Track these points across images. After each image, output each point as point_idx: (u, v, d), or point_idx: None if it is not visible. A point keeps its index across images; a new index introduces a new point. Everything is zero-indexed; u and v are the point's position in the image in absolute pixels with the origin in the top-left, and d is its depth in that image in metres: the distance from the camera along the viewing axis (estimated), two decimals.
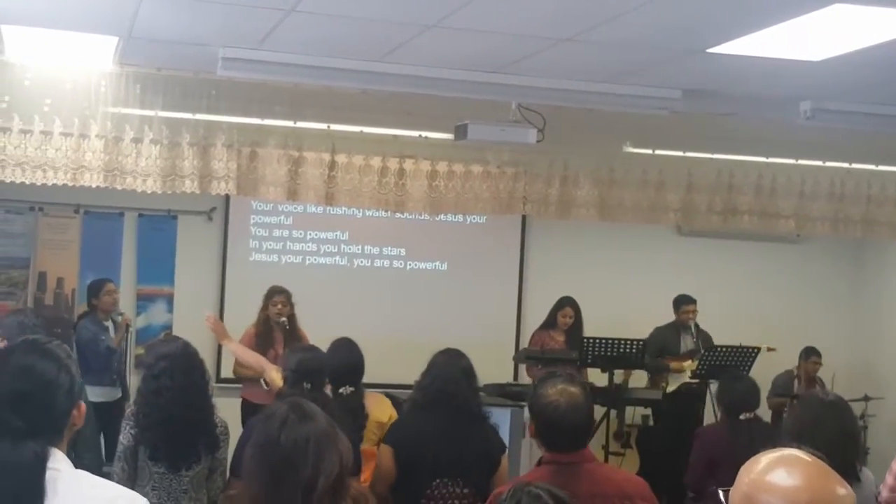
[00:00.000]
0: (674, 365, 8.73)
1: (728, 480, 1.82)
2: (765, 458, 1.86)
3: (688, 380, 8.73)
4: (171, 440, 4.43)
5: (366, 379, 5.69)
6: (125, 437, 4.49)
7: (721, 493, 1.87)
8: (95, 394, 7.38)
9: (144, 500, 2.19)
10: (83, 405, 2.36)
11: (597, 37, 5.06)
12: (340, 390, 5.19)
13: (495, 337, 9.64)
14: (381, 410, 5.49)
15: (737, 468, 1.93)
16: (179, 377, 4.45)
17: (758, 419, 5.80)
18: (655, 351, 8.84)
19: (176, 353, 4.54)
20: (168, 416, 4.42)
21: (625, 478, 3.67)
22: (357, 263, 9.74)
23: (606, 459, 8.04)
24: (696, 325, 9.02)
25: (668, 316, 9.15)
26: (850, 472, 4.23)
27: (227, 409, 7.46)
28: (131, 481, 4.37)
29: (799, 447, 1.93)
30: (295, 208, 9.34)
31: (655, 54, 5.43)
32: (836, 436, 4.17)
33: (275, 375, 5.72)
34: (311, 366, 4.78)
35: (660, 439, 8.45)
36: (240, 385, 7.72)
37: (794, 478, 1.78)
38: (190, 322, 7.78)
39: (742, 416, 5.67)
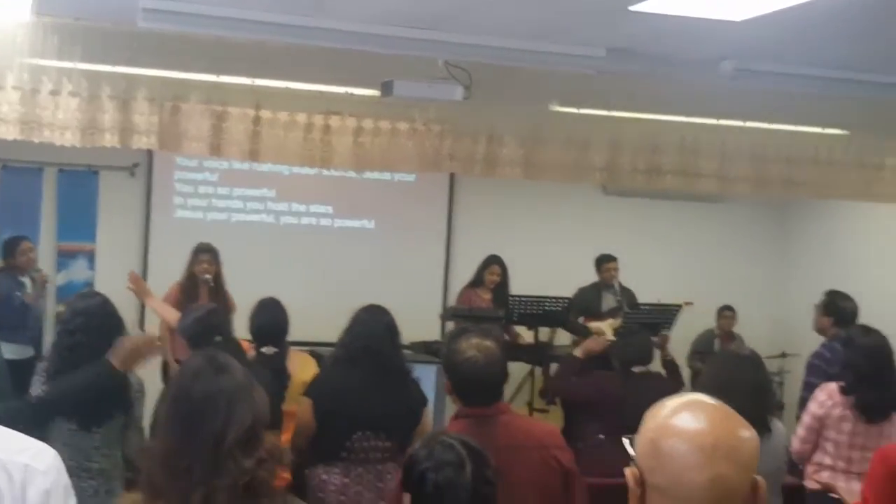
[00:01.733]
0: (592, 327, 8.83)
1: (611, 429, 1.86)
2: (670, 404, 1.88)
3: (611, 338, 8.83)
4: (82, 398, 4.35)
5: (293, 337, 5.69)
6: (35, 391, 4.43)
7: (626, 441, 1.89)
8: (8, 351, 7.26)
9: (52, 451, 2.17)
10: None
11: None
12: (263, 349, 5.18)
13: (423, 295, 9.66)
14: (305, 370, 5.50)
15: (624, 418, 1.96)
16: (95, 334, 4.38)
17: (650, 373, 5.96)
18: (578, 311, 8.93)
19: (93, 310, 4.47)
20: (81, 373, 4.34)
21: (539, 428, 3.72)
22: (284, 221, 9.68)
23: (531, 415, 8.13)
24: (619, 284, 9.13)
25: (593, 274, 9.24)
26: (761, 424, 4.34)
27: (151, 366, 7.43)
28: (40, 438, 4.30)
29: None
30: (220, 164, 9.24)
31: (579, 12, 5.43)
32: (748, 389, 4.29)
33: None
34: (212, 321, 4.75)
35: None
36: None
37: (700, 421, 1.81)
38: (112, 279, 7.67)
39: (635, 369, 5.82)
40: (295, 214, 9.68)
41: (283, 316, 5.44)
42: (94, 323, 4.41)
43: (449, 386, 3.55)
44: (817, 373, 6.28)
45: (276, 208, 9.62)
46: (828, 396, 5.26)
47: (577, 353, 6.59)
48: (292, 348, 5.56)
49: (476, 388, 3.49)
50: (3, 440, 2.22)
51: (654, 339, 7.17)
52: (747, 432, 1.83)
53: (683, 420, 1.82)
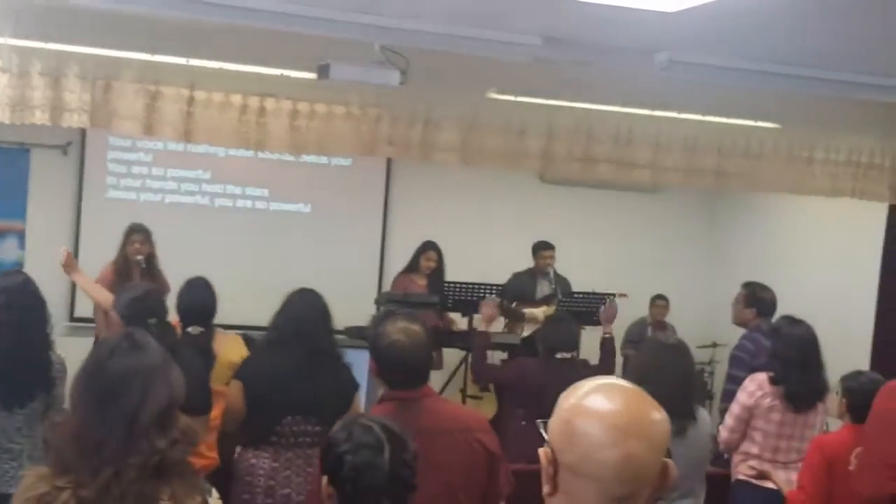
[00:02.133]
0: (528, 312, 8.89)
1: (533, 412, 1.88)
2: (584, 385, 1.91)
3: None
4: (3, 378, 4.31)
5: (226, 320, 5.65)
6: None
7: (540, 425, 1.92)
8: None
9: None
10: None
11: None
12: (189, 329, 5.14)
13: (358, 280, 9.66)
14: (233, 350, 5.46)
15: (545, 403, 1.99)
16: (16, 313, 4.33)
17: (574, 360, 5.99)
18: (512, 296, 8.99)
19: (14, 288, 4.41)
20: (1, 352, 4.29)
21: (465, 412, 3.75)
22: (218, 203, 9.61)
23: (464, 402, 8.17)
24: (555, 271, 9.19)
25: (530, 261, 9.30)
26: (687, 412, 4.42)
27: (82, 349, 7.35)
28: None
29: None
30: (155, 145, 9.14)
31: None
32: (675, 377, 4.35)
33: None
34: (147, 303, 4.70)
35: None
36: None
37: (613, 402, 1.84)
38: (43, 259, 7.56)
39: (558, 356, 5.85)
40: (230, 197, 9.62)
41: (210, 296, 5.40)
42: (15, 302, 4.35)
43: (375, 369, 3.57)
44: (741, 365, 6.36)
45: (211, 190, 9.55)
46: (757, 387, 5.34)
47: (481, 326, 6.62)
48: (220, 329, 5.52)
49: (401, 371, 3.50)
50: None
51: (603, 307, 7.20)
52: (659, 415, 1.86)
53: (597, 401, 1.85)
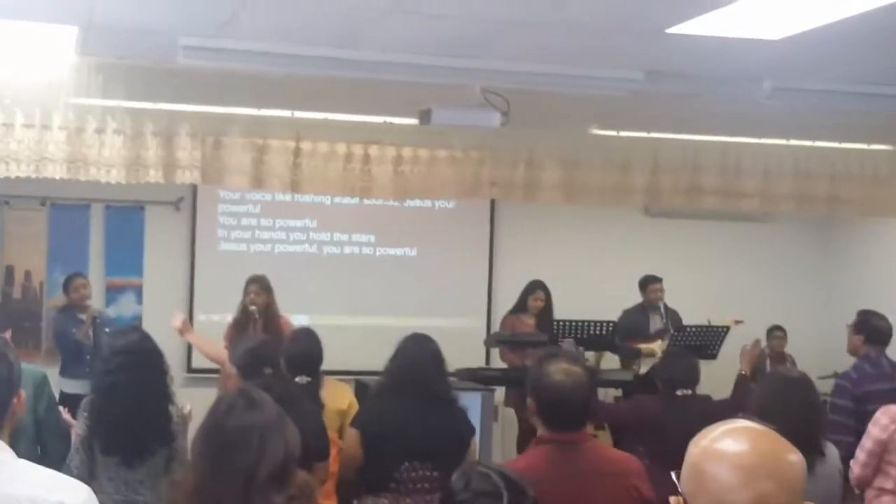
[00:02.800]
0: (643, 348, 8.77)
1: (655, 452, 1.86)
2: (714, 429, 1.89)
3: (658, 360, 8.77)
4: (123, 434, 4.39)
5: (336, 366, 5.72)
6: (81, 427, 4.47)
7: (673, 475, 1.89)
8: (70, 386, 7.38)
9: (87, 488, 2.18)
10: (23, 394, 2.35)
11: (557, 18, 5.06)
12: (297, 379, 5.19)
13: (466, 322, 9.66)
14: (340, 398, 5.50)
15: (667, 442, 1.96)
16: (134, 373, 4.41)
17: (695, 396, 5.83)
18: (625, 333, 8.88)
19: (131, 348, 4.50)
20: (121, 411, 4.38)
21: (619, 456, 3.69)
22: (326, 251, 9.73)
23: None
24: (665, 305, 9.07)
25: (638, 297, 9.19)
26: (813, 447, 4.28)
27: (201, 400, 7.49)
28: (89, 472, 4.36)
29: (755, 421, 1.95)
30: (263, 196, 9.32)
31: (616, 35, 5.43)
32: (799, 411, 4.22)
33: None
34: (261, 353, 4.77)
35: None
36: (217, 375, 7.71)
37: (741, 443, 1.81)
38: (159, 313, 7.75)
39: (679, 392, 5.70)
40: (337, 244, 9.73)
41: (316, 346, 5.45)
42: (133, 361, 4.44)
43: (533, 408, 3.53)
44: (843, 394, 6.16)
45: (319, 238, 9.67)
46: (891, 419, 5.14)
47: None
48: (328, 377, 5.57)
49: (562, 412, 3.47)
50: (39, 478, 2.24)
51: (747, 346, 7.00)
52: (793, 456, 1.82)
53: (725, 444, 1.83)
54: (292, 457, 2.43)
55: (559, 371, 3.46)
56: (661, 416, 5.40)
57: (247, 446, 2.38)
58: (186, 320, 6.63)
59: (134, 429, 4.40)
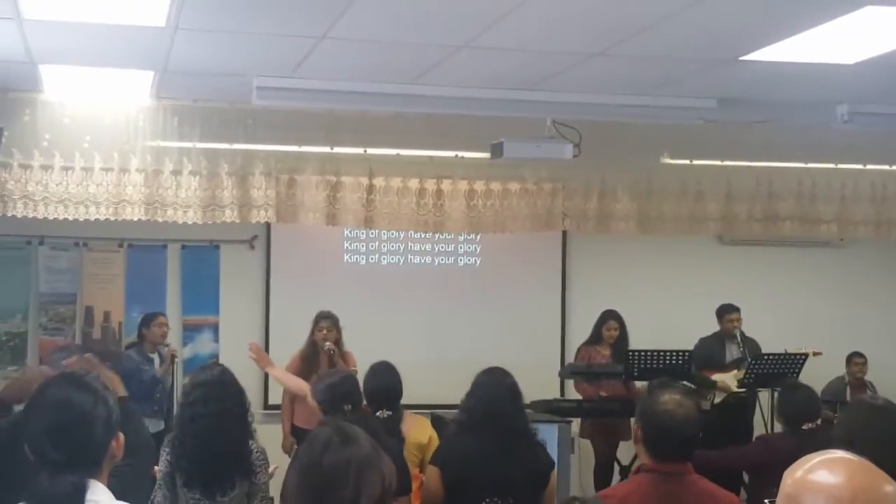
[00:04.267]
0: (718, 378, 8.64)
1: None
2: (809, 460, 1.86)
3: (735, 390, 8.65)
4: (204, 467, 4.45)
5: (412, 400, 5.71)
6: (163, 463, 4.53)
7: (767, 502, 1.87)
8: None
9: None
10: (122, 437, 2.39)
11: (627, 50, 5.06)
12: (378, 413, 5.20)
13: (541, 353, 9.60)
14: (420, 432, 5.50)
15: None
16: (213, 405, 4.46)
17: (821, 428, 5.69)
18: (701, 362, 8.76)
19: (211, 381, 4.56)
20: (201, 443, 4.43)
21: (722, 493, 3.64)
22: (403, 280, 9.71)
23: None
24: (742, 333, 8.94)
25: (713, 325, 9.07)
26: None
27: (278, 436, 7.55)
28: None
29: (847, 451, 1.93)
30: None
31: (688, 64, 5.42)
32: (887, 439, 4.12)
33: None
34: (342, 389, 4.80)
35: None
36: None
37: (837, 475, 1.79)
38: (236, 350, 7.82)
39: (805, 427, 5.57)
40: (414, 273, 9.72)
41: (396, 379, 5.46)
42: (213, 394, 4.49)
43: (639, 435, 3.51)
44: None
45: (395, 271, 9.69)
46: None
47: None
48: (407, 411, 5.57)
49: (669, 442, 3.45)
50: None
51: None
52: (889, 487, 1.79)
53: (821, 475, 1.81)
54: (389, 490, 2.44)
55: (671, 401, 3.44)
56: (793, 453, 5.31)
57: (344, 483, 2.39)
58: (263, 352, 6.66)
59: (214, 462, 4.45)
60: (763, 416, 8.36)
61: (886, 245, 10.16)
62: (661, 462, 3.44)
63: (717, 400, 8.63)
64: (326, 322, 7.60)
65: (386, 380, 5.46)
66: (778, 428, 5.96)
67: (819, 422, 5.64)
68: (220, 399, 4.52)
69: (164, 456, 4.56)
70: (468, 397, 4.92)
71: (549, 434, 6.04)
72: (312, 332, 7.65)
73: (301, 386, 6.36)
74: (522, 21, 4.62)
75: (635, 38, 4.85)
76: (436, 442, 5.47)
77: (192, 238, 8.82)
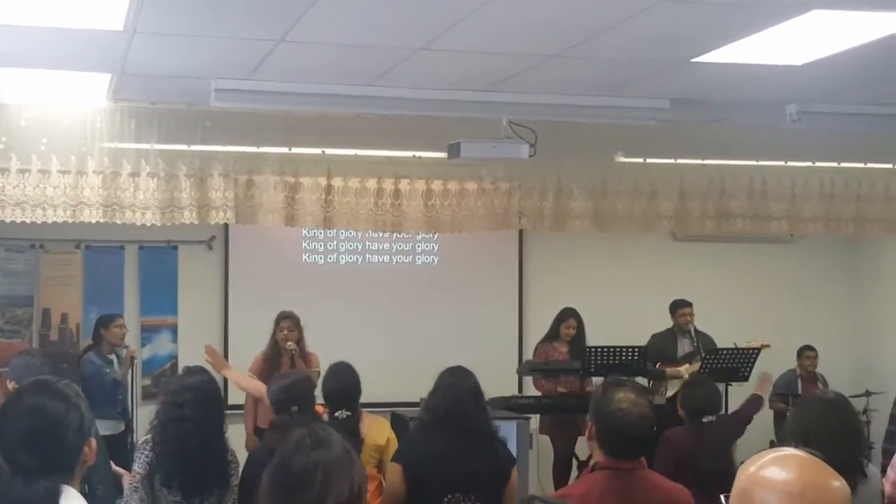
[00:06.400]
0: (670, 371, 8.78)
1: (691, 481, 1.91)
2: (762, 457, 1.95)
3: None
4: (186, 469, 4.47)
5: (372, 399, 5.75)
6: (140, 465, 4.54)
7: (723, 498, 1.95)
8: (101, 427, 7.44)
9: None
10: (94, 442, 2.43)
11: (583, 52, 5.14)
12: (336, 414, 5.24)
13: (499, 351, 9.67)
14: (378, 433, 5.54)
15: (700, 469, 2.02)
16: (202, 409, 4.50)
17: (720, 421, 5.94)
18: (654, 357, 8.89)
19: (202, 386, 4.59)
20: (186, 445, 4.47)
21: (672, 486, 3.72)
22: (358, 278, 9.75)
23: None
24: (695, 328, 9.08)
25: (668, 321, 9.21)
26: (856, 469, 4.28)
27: (238, 436, 7.56)
28: None
29: (800, 447, 2.01)
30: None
31: (642, 66, 5.52)
32: (839, 433, 4.23)
33: None
34: (294, 391, 4.85)
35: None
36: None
37: (787, 471, 1.88)
38: (195, 351, 7.79)
39: (704, 419, 5.80)
40: (370, 271, 9.76)
41: (354, 380, 5.48)
42: (202, 398, 4.52)
43: (593, 433, 3.57)
44: None
45: (352, 269, 9.72)
46: None
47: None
48: (365, 411, 5.61)
49: (624, 440, 3.51)
50: None
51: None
52: (837, 482, 1.89)
53: (772, 472, 1.89)
54: (359, 495, 2.48)
55: (625, 399, 3.50)
56: (693, 446, 5.48)
57: (310, 485, 2.43)
58: (218, 354, 6.67)
59: (196, 465, 4.48)
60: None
61: (835, 241, 10.36)
62: (615, 459, 3.51)
63: (670, 393, 8.76)
64: (287, 322, 7.63)
65: (344, 380, 5.48)
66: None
67: (718, 415, 5.98)
68: (208, 404, 4.56)
69: (142, 458, 4.57)
70: (431, 396, 4.97)
71: (508, 431, 6.12)
72: (274, 333, 7.67)
73: (258, 387, 6.38)
74: (480, 24, 4.68)
75: (590, 40, 4.93)
76: (394, 443, 5.52)
77: (150, 239, 8.81)
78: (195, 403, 4.49)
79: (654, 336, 9.11)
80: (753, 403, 6.85)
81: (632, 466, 3.53)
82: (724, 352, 8.63)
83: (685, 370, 8.75)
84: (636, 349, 8.43)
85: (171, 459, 4.48)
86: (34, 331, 8.80)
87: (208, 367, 5.32)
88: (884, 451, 5.84)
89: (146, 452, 4.55)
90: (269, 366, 7.48)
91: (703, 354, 8.73)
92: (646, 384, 9.03)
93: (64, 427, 2.37)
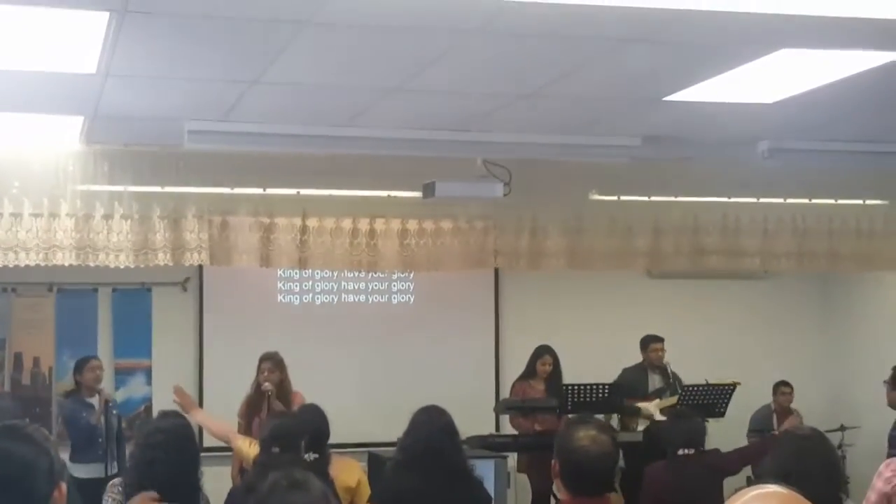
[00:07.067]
0: (642, 406, 8.77)
1: None
2: (743, 493, 1.93)
3: (657, 418, 8.77)
4: None
5: (347, 439, 5.72)
6: None
7: None
8: (80, 470, 7.38)
9: None
10: (64, 486, 2.40)
11: (556, 91, 5.18)
12: (305, 456, 5.20)
13: (475, 389, 9.64)
14: (349, 475, 5.52)
15: (678, 502, 2.02)
16: (174, 452, 4.44)
17: (699, 454, 5.92)
18: (624, 392, 8.87)
19: (174, 430, 4.54)
20: (156, 488, 4.41)
21: None
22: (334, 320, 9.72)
23: None
24: (668, 366, 9.09)
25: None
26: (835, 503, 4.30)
27: (212, 478, 7.48)
28: None
29: (780, 484, 2.01)
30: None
31: (614, 105, 5.56)
32: (818, 469, 4.22)
33: (239, 444, 5.76)
34: (281, 430, 4.83)
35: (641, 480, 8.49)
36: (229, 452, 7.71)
37: None
38: (169, 394, 7.73)
39: (680, 452, 5.80)
40: (347, 314, 9.73)
41: (323, 422, 5.45)
42: (174, 442, 4.47)
43: (556, 470, 3.57)
44: None
45: (326, 311, 9.70)
46: (893, 473, 5.18)
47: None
48: (335, 453, 5.58)
49: (584, 477, 3.50)
50: None
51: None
52: None
53: None
54: None
55: (585, 437, 3.49)
56: (671, 480, 5.48)
57: None
58: (186, 395, 6.59)
59: None
60: None
61: (808, 277, 10.42)
62: (578, 496, 3.51)
63: (640, 428, 8.75)
64: (268, 363, 7.54)
65: (313, 422, 5.46)
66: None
67: (698, 449, 5.90)
68: (179, 451, 4.50)
69: (109, 500, 4.50)
70: (405, 436, 4.96)
71: (485, 469, 6.10)
72: (257, 375, 7.60)
73: (224, 430, 6.32)
74: (453, 64, 4.71)
75: (563, 79, 4.97)
76: (365, 485, 5.50)
77: (123, 281, 8.74)
78: (166, 446, 4.44)
79: (624, 370, 9.11)
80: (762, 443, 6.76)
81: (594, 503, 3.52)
82: (699, 388, 8.64)
83: (655, 406, 8.75)
84: (611, 386, 8.43)
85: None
86: (6, 374, 8.71)
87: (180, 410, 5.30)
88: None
89: (114, 496, 4.49)
90: (250, 409, 7.41)
91: (679, 391, 8.74)
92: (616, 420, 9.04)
93: (33, 472, 2.34)
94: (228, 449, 7.59)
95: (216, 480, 7.44)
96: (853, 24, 3.99)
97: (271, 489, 2.48)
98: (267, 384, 7.35)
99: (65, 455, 7.51)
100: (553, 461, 3.58)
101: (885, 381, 6.82)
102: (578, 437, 3.47)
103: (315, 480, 2.51)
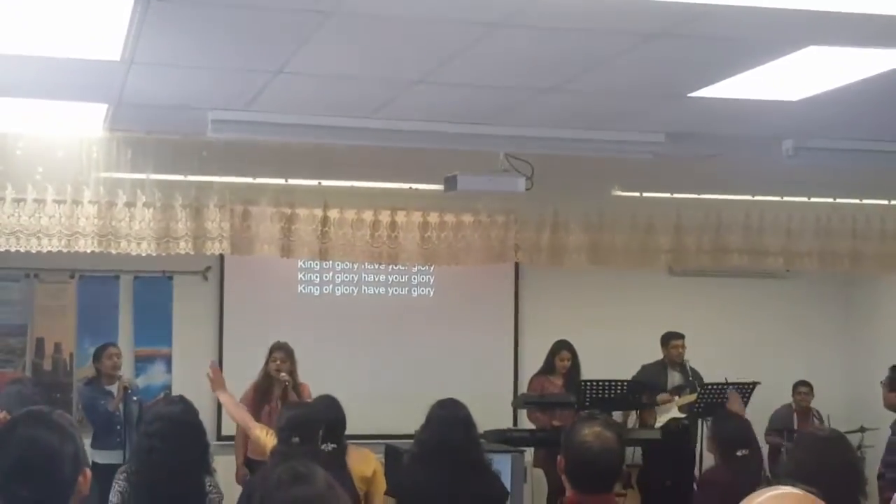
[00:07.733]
0: (660, 398, 8.74)
1: None
2: (760, 495, 1.92)
3: (676, 415, 8.75)
4: (156, 501, 4.42)
5: (366, 431, 5.73)
6: (114, 494, 4.48)
7: None
8: (100, 456, 7.42)
9: None
10: (88, 472, 2.41)
11: (580, 85, 5.15)
12: (322, 447, 5.21)
13: (494, 383, 9.64)
14: (364, 465, 5.54)
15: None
16: (172, 440, 4.43)
17: (755, 454, 5.82)
18: (643, 388, 8.84)
19: (173, 415, 4.53)
20: (156, 477, 4.40)
21: None
22: (353, 310, 9.72)
23: None
24: (687, 363, 9.05)
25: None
26: None
27: (231, 467, 7.52)
28: None
29: (798, 485, 1.99)
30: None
31: (638, 100, 5.52)
32: (838, 470, 4.19)
33: (258, 433, 5.78)
34: (300, 420, 4.84)
35: (658, 477, 8.46)
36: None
37: None
38: (189, 381, 7.80)
39: (738, 454, 5.69)
40: (366, 304, 9.74)
41: (339, 413, 5.47)
42: (173, 429, 4.47)
43: (562, 466, 3.56)
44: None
45: (347, 302, 9.70)
46: None
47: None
48: (351, 444, 5.59)
49: (588, 473, 3.50)
50: None
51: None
52: None
53: None
54: None
55: (590, 434, 3.49)
56: (732, 483, 5.37)
57: None
58: (220, 374, 6.55)
59: (166, 497, 4.42)
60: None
61: (830, 277, 10.36)
62: (583, 493, 3.50)
63: (658, 424, 8.72)
64: (280, 353, 7.59)
65: (330, 413, 5.47)
66: (709, 457, 6.06)
67: (752, 449, 5.78)
68: (179, 436, 4.49)
69: (116, 488, 4.51)
70: (423, 429, 4.97)
71: (502, 464, 6.10)
72: (266, 363, 7.64)
73: (244, 418, 6.33)
74: (478, 57, 4.68)
75: (587, 74, 4.94)
76: (380, 475, 5.51)
77: (145, 269, 8.78)
78: (164, 434, 4.43)
79: (644, 367, 9.10)
80: None
81: (600, 501, 3.51)
82: (717, 386, 8.60)
83: (676, 402, 8.72)
84: (629, 383, 8.41)
85: (140, 490, 4.41)
86: (27, 360, 8.78)
87: (199, 392, 5.29)
88: (879, 477, 5.82)
89: (120, 482, 4.50)
90: (260, 396, 7.45)
91: (699, 388, 8.70)
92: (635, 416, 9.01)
93: (58, 458, 2.36)
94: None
95: (230, 469, 7.51)
96: (882, 21, 3.95)
97: (276, 484, 2.47)
98: (284, 374, 7.38)
99: (87, 441, 7.57)
100: (559, 457, 3.58)
101: (881, 382, 6.74)
102: (583, 434, 3.48)
103: (320, 473, 2.50)
